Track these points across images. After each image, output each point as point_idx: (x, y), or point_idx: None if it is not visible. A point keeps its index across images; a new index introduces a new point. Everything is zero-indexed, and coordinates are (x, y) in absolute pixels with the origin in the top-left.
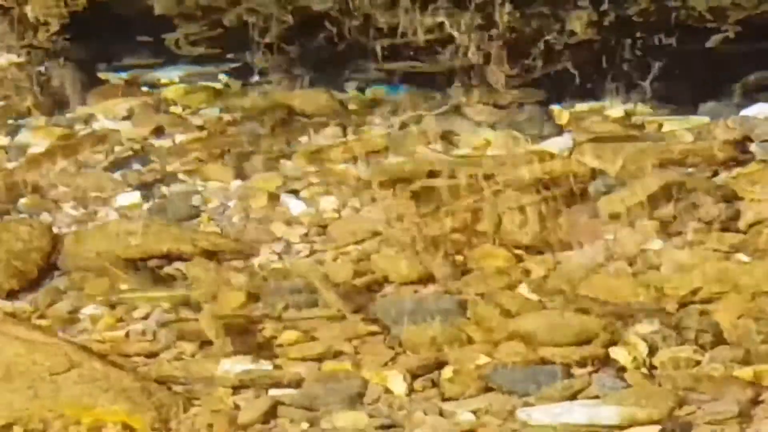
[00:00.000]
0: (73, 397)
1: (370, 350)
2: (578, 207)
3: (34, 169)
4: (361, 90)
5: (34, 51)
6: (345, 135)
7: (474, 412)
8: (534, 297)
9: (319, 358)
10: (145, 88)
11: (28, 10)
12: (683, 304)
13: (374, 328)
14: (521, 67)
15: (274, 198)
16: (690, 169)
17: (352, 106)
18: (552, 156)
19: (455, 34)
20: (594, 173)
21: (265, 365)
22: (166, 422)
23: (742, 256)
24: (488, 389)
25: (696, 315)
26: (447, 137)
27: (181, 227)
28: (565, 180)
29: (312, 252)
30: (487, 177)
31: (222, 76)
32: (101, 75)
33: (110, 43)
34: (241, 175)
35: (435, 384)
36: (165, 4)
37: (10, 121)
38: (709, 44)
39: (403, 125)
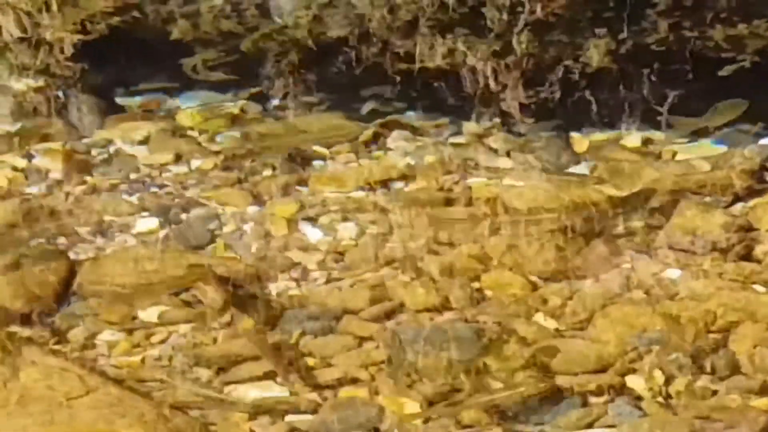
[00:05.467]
0: (89, 423)
1: (386, 377)
2: (596, 236)
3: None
4: (379, 116)
5: (52, 76)
6: (360, 161)
7: None
8: (550, 325)
9: (336, 385)
10: (162, 113)
11: (46, 35)
12: (700, 334)
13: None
14: (538, 95)
15: (291, 224)
16: (707, 198)
17: (369, 132)
18: (570, 184)
19: (473, 61)
20: (612, 202)
21: (282, 391)
22: None
23: (758, 286)
24: (504, 417)
25: (712, 344)
26: (464, 164)
27: (198, 254)
28: (583, 208)
29: (329, 279)
30: (505, 205)
31: (239, 102)
32: (119, 101)
33: (128, 68)
34: (257, 200)
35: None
36: (182, 30)
37: (28, 147)
38: (722, 73)
39: (421, 152)
